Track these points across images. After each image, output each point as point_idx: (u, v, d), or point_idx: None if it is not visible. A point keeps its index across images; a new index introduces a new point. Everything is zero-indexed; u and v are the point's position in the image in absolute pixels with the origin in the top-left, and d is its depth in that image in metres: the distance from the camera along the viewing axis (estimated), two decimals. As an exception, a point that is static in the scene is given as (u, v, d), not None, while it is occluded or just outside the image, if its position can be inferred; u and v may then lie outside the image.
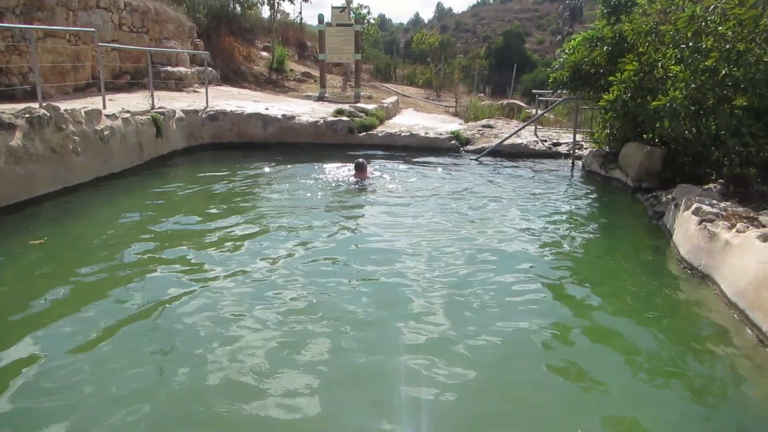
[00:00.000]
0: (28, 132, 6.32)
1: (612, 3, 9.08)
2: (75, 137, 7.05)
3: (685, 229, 5.34)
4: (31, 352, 3.38)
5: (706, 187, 6.52)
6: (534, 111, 15.79)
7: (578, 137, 11.24)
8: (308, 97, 16.57)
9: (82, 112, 7.28)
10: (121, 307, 3.98)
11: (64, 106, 7.10)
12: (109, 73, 12.38)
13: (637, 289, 4.66)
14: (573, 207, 7.52)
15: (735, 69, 6.12)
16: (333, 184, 8.17)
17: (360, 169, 8.48)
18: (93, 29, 9.81)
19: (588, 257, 5.58)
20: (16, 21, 9.58)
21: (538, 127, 13.53)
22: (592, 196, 8.15)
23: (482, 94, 25.99)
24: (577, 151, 10.86)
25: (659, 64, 7.37)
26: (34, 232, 5.50)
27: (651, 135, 8.24)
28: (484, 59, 38.74)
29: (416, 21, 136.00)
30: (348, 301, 4.21)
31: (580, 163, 10.26)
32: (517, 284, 4.66)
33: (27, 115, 6.40)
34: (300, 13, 50.39)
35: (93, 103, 8.22)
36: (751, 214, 4.99)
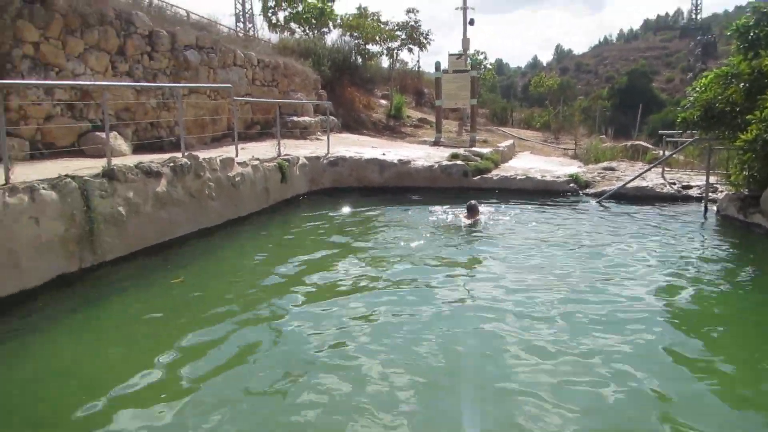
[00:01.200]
0: (172, 179, 7.05)
1: (749, 37, 8.54)
2: (211, 183, 7.74)
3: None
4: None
5: None
6: (661, 152, 15.01)
7: (712, 180, 10.50)
8: (424, 142, 16.94)
9: (218, 161, 8.00)
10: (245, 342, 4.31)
11: (202, 155, 7.85)
12: (242, 123, 13.45)
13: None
14: (709, 256, 6.89)
15: None
16: (445, 227, 8.27)
17: (472, 212, 8.56)
18: (230, 85, 10.82)
19: (729, 316, 5.02)
20: (166, 80, 10.79)
21: (666, 169, 12.81)
22: (729, 243, 7.50)
23: (604, 136, 25.10)
24: (710, 194, 10.15)
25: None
26: (174, 270, 6.08)
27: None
28: (607, 100, 37.56)
29: (534, 64, 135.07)
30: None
31: (714, 207, 9.56)
32: (643, 347, 4.28)
33: (171, 164, 7.15)
34: (418, 61, 51.86)
35: (227, 151, 8.99)
36: None
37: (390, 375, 3.76)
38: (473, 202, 8.68)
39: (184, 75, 11.38)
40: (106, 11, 9.37)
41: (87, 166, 6.58)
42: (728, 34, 9.16)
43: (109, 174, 6.19)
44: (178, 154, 7.53)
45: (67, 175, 5.69)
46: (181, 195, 7.16)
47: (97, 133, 8.51)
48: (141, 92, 10.08)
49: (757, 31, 8.45)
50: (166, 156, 7.56)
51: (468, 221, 8.41)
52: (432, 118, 20.38)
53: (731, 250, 7.24)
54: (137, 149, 9.33)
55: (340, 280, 5.85)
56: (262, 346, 4.23)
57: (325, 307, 5.04)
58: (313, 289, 5.49)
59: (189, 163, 7.38)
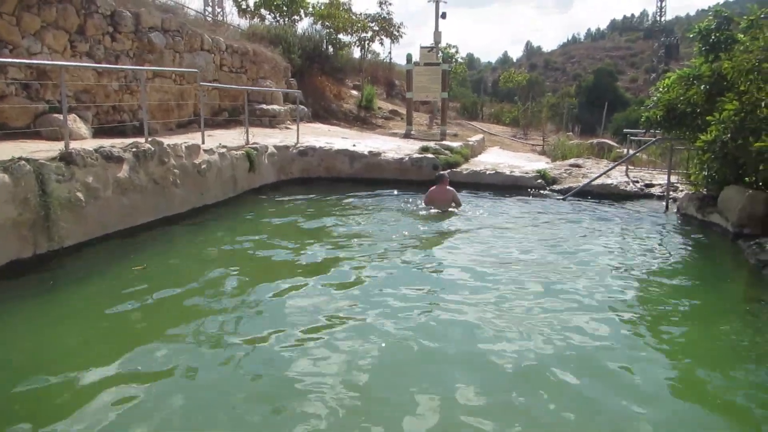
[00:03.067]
0: (134, 165, 6.81)
1: (710, 40, 8.71)
2: (176, 170, 7.51)
3: (794, 280, 4.93)
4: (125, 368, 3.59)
5: (818, 235, 6.02)
6: (625, 151, 15.25)
7: (673, 179, 10.70)
8: (395, 135, 16.87)
9: (183, 147, 7.76)
10: (207, 333, 4.17)
11: (167, 141, 7.61)
12: (209, 110, 13.15)
13: (739, 348, 4.30)
14: (667, 252, 7.06)
15: None
16: (410, 212, 8.57)
17: (441, 180, 8.69)
18: (196, 70, 10.54)
19: (683, 309, 5.11)
20: (129, 63, 10.43)
21: (630, 167, 13.00)
22: (688, 242, 7.68)
23: (571, 133, 25.44)
24: (671, 193, 10.34)
25: (762, 104, 6.95)
26: (136, 258, 5.87)
27: (754, 178, 7.73)
28: (574, 97, 38.04)
29: (505, 60, 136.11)
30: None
31: (674, 206, 9.75)
32: (598, 335, 4.35)
33: (134, 149, 6.90)
34: (389, 53, 51.59)
35: (193, 138, 8.76)
36: None
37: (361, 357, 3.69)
38: (443, 172, 8.90)
39: (148, 58, 11.02)
40: (67, -12, 8.99)
41: (43, 149, 6.31)
42: (690, 36, 9.32)
43: (66, 158, 5.93)
44: (141, 139, 7.28)
45: (21, 158, 5.44)
46: (143, 181, 6.93)
47: (55, 115, 8.17)
48: (102, 74, 9.72)
49: (718, 35, 8.62)
50: (129, 141, 7.30)
51: (430, 206, 8.70)
52: (403, 111, 20.31)
53: (688, 248, 7.39)
54: (98, 133, 9.01)
55: (307, 265, 5.78)
56: (223, 336, 4.11)
57: (291, 294, 4.96)
58: (281, 276, 5.38)
59: (153, 148, 7.14)
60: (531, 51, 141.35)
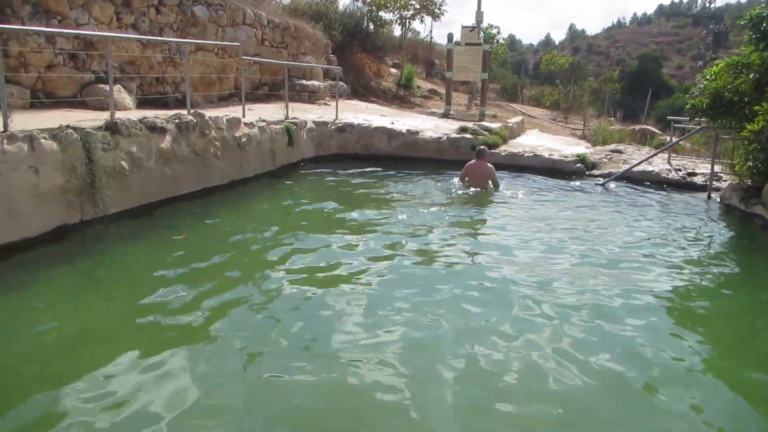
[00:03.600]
0: (177, 136, 6.88)
1: (762, 28, 8.31)
2: (216, 142, 7.58)
3: None
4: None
5: None
6: (668, 138, 14.80)
7: (717, 168, 10.35)
8: (433, 114, 16.70)
9: (224, 120, 7.82)
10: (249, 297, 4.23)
11: (208, 113, 7.67)
12: (250, 84, 13.21)
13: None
14: (707, 243, 6.82)
15: None
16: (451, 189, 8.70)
17: (481, 155, 8.61)
18: (238, 44, 10.56)
19: (721, 305, 4.91)
20: (173, 36, 10.52)
21: (672, 155, 12.62)
22: (729, 233, 7.43)
23: (612, 118, 24.80)
24: (714, 183, 10.01)
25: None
26: (177, 227, 5.97)
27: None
28: (617, 83, 37.04)
29: (547, 42, 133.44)
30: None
31: (717, 195, 9.44)
32: (632, 324, 4.22)
33: (177, 121, 6.98)
34: (430, 31, 51.12)
35: (234, 111, 8.80)
36: None
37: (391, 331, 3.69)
38: (483, 146, 8.88)
39: (191, 31, 11.11)
40: (115, -40, 9.08)
41: (89, 118, 6.42)
42: (741, 24, 8.93)
43: (111, 127, 6.03)
44: (184, 111, 7.35)
45: (68, 126, 5.54)
46: (185, 152, 7.01)
47: (101, 86, 8.31)
48: (147, 46, 9.84)
49: (770, 22, 8.24)
50: (171, 112, 7.38)
51: (470, 185, 8.72)
52: (442, 90, 20.09)
53: (729, 238, 7.18)
54: (141, 104, 9.14)
55: (344, 241, 5.80)
56: (263, 306, 4.17)
57: (328, 268, 4.99)
58: (316, 253, 5.39)
59: (194, 120, 7.21)
60: (574, 34, 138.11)
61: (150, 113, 7.22)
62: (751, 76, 8.07)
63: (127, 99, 8.87)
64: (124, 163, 6.05)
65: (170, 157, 6.75)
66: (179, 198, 6.92)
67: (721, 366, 3.75)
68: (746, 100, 8.11)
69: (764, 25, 8.26)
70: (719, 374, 3.60)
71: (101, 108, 7.68)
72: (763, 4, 8.54)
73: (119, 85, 8.78)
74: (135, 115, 6.91)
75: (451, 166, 10.33)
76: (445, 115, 16.37)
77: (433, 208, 7.47)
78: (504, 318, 4.17)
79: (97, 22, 8.82)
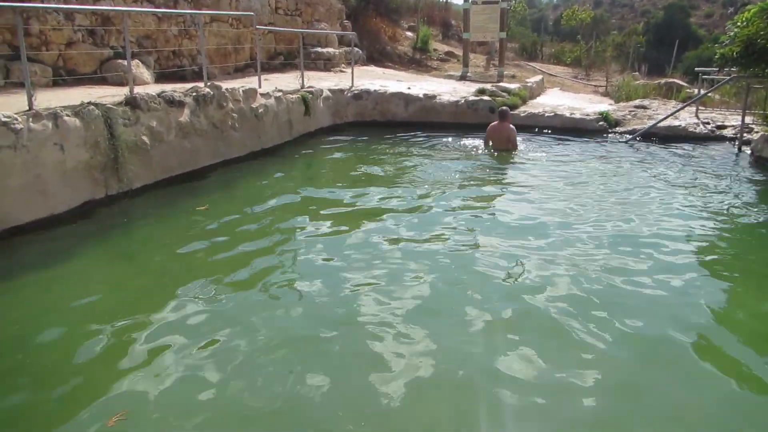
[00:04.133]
0: (195, 109, 6.97)
1: None
2: (234, 114, 7.65)
3: None
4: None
5: None
6: (696, 91, 14.46)
7: (748, 120, 10.12)
8: (450, 77, 16.52)
9: (241, 91, 7.88)
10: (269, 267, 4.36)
11: (225, 85, 7.73)
12: (265, 54, 13.20)
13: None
14: (740, 198, 6.70)
15: None
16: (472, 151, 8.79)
17: (504, 117, 8.66)
18: (252, 13, 10.55)
19: (755, 259, 4.92)
20: (187, 7, 10.54)
21: (701, 108, 12.34)
22: (760, 187, 7.32)
23: (637, 73, 24.21)
24: (746, 135, 9.80)
25: None
26: (199, 198, 6.11)
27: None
28: (642, 35, 35.97)
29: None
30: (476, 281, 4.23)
31: (748, 148, 9.25)
32: (662, 285, 4.24)
33: (194, 94, 7.06)
34: (446, -9, 49.98)
35: (250, 82, 8.85)
36: None
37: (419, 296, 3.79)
38: (505, 107, 8.93)
39: (205, 2, 11.10)
40: (126, -67, 9.07)
41: (110, 94, 6.54)
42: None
43: (131, 102, 6.14)
44: (201, 84, 7.43)
45: (90, 103, 5.66)
46: (204, 125, 7.10)
47: (119, 61, 8.41)
48: (162, 19, 9.88)
49: (806, -36, 7.94)
50: (189, 85, 7.45)
51: (494, 148, 8.77)
52: (459, 52, 19.80)
53: (760, 192, 7.05)
54: (159, 78, 9.22)
55: (364, 209, 5.88)
56: (288, 282, 4.24)
57: (350, 237, 5.06)
58: (338, 220, 5.50)
59: (212, 93, 7.28)
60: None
61: (168, 87, 7.32)
62: None
63: (146, 73, 8.97)
64: (145, 138, 6.17)
65: (189, 130, 6.86)
66: (200, 171, 7.05)
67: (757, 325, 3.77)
68: None
69: None
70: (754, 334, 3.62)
71: (121, 83, 7.79)
72: None
73: (137, 60, 8.87)
74: (154, 89, 7.01)
75: (470, 130, 10.28)
76: (463, 78, 16.19)
77: (456, 174, 7.51)
78: (535, 275, 4.25)
79: (112, -3, 8.88)
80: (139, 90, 6.61)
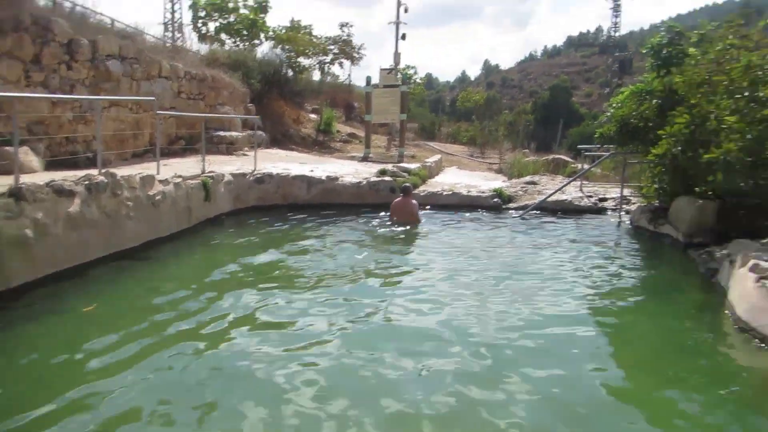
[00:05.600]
0: (87, 198, 6.64)
1: (662, 55, 8.98)
2: (129, 202, 7.36)
3: (742, 287, 5.12)
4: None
5: (764, 241, 6.23)
6: (579, 166, 15.63)
7: (626, 192, 11.04)
8: (353, 158, 16.93)
9: (138, 178, 7.63)
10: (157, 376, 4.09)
11: (121, 172, 7.46)
12: (166, 138, 12.99)
13: (689, 353, 4.47)
14: (620, 264, 7.31)
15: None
16: (374, 229, 8.97)
17: (406, 192, 8.98)
18: (153, 98, 10.39)
19: (634, 317, 5.41)
20: (85, 92, 10.24)
21: (584, 182, 13.35)
22: (640, 253, 7.94)
23: (527, 150, 25.93)
24: (624, 206, 10.66)
25: (712, 116, 7.17)
26: (86, 297, 5.67)
27: (703, 189, 8.01)
28: (530, 114, 38.80)
29: (463, 78, 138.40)
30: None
31: (627, 218, 10.03)
32: (557, 342, 4.57)
33: (86, 182, 6.75)
34: (349, 75, 51.72)
35: (148, 168, 8.61)
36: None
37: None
38: (408, 184, 9.17)
39: (104, 86, 10.85)
40: (22, 17, 8.83)
41: (-9, 185, 6.12)
42: (643, 51, 9.62)
43: (16, 193, 5.77)
44: (95, 171, 7.13)
45: (-34, 196, 5.27)
46: (95, 215, 6.76)
47: (6, 148, 7.94)
48: (57, 104, 9.54)
49: (669, 49, 8.93)
50: (81, 173, 7.12)
51: (394, 222, 9.09)
52: (361, 133, 20.43)
53: (641, 259, 7.69)
54: (50, 165, 8.78)
55: (266, 297, 5.72)
56: (184, 377, 4.02)
57: (249, 330, 4.90)
58: (238, 311, 5.31)
59: (105, 180, 6.99)
60: (489, 69, 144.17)
61: (58, 175, 6.97)
62: (654, 102, 8.69)
63: (34, 161, 8.52)
64: (28, 231, 5.77)
65: (79, 221, 6.50)
66: (90, 264, 6.58)
67: (638, 390, 3.96)
68: (650, 125, 8.72)
69: (664, 52, 8.94)
70: (638, 399, 3.79)
71: (5, 172, 7.32)
72: (662, 32, 9.23)
73: (26, 147, 8.44)
74: (42, 177, 6.65)
75: (371, 209, 10.46)
76: (365, 159, 16.63)
77: (364, 249, 7.63)
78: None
79: (4, 81, 8.52)
80: (26, 179, 6.24)
